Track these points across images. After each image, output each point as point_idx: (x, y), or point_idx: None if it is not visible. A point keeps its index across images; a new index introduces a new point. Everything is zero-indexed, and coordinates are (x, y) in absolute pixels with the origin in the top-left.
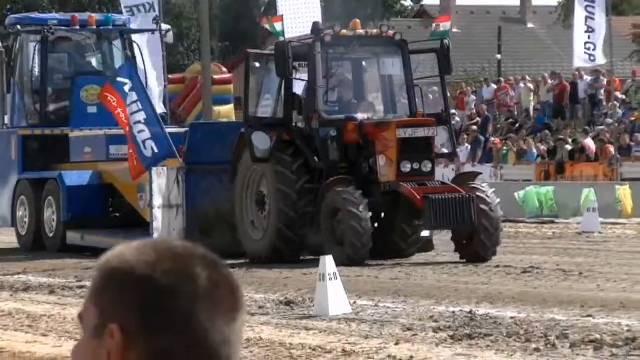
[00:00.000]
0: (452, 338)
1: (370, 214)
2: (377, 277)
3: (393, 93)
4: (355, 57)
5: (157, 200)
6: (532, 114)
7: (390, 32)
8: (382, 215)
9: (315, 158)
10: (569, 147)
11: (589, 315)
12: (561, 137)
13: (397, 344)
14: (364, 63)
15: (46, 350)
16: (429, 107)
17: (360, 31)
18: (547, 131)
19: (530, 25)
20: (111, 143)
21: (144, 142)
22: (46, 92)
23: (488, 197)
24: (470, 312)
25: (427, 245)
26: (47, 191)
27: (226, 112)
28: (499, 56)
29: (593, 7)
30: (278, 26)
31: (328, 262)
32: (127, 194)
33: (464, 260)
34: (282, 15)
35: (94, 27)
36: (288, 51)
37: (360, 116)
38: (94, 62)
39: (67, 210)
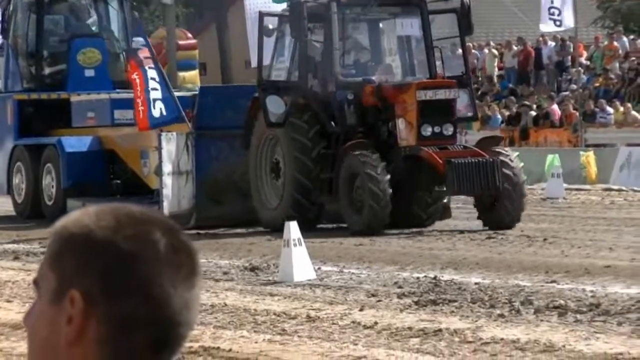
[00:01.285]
0: (417, 304)
1: (388, 176)
2: (341, 242)
3: (411, 54)
4: (372, 18)
5: (167, 167)
6: (495, 79)
7: None
8: (401, 181)
9: (332, 122)
10: (533, 113)
11: (553, 281)
12: (526, 102)
13: (361, 309)
14: (381, 24)
15: (10, 315)
16: (449, 68)
17: None
18: (512, 97)
19: None
20: (116, 107)
21: (154, 100)
22: (42, 55)
23: (511, 161)
24: (435, 277)
25: (445, 213)
26: (45, 157)
27: (191, 77)
28: None
29: None
30: None
31: (292, 228)
32: (130, 160)
33: (487, 228)
34: None
35: None
36: (303, 11)
37: (378, 78)
38: (90, 24)
39: (68, 177)
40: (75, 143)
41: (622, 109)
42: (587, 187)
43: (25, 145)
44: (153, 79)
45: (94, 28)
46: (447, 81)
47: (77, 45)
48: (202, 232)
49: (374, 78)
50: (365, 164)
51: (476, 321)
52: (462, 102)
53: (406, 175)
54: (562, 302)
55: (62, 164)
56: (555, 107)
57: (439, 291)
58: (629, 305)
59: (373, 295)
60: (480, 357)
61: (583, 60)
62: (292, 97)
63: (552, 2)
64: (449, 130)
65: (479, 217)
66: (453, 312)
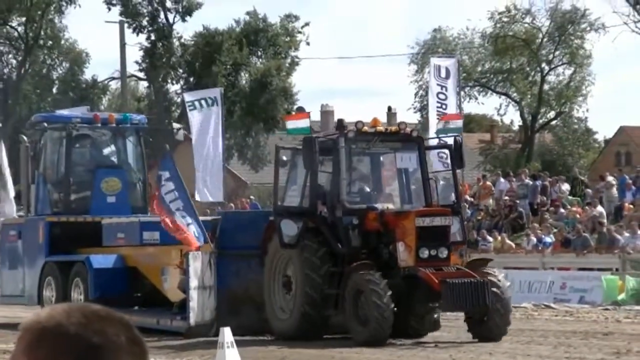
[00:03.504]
0: None
1: (390, 292)
2: (267, 346)
3: (409, 185)
4: (375, 152)
5: (193, 282)
6: None
7: (408, 129)
8: (400, 298)
9: (339, 244)
10: None
11: None
12: None
13: None
14: (383, 157)
15: None
16: (442, 198)
17: (380, 128)
18: None
19: None
20: (144, 229)
21: (188, 225)
22: (69, 182)
23: (499, 281)
24: None
25: (435, 325)
26: (74, 272)
27: None
28: None
29: None
30: (303, 123)
31: (226, 333)
32: (151, 276)
33: (476, 340)
34: (310, 112)
35: (114, 124)
36: (315, 145)
37: (379, 206)
38: (111, 156)
39: (95, 290)
40: (102, 260)
41: (499, 238)
42: None
43: (55, 262)
44: (178, 209)
45: (114, 159)
46: (443, 209)
47: (101, 174)
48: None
49: (376, 205)
50: (369, 281)
51: None
52: (453, 228)
53: (405, 292)
54: None
55: (90, 278)
56: None
57: None
58: None
59: None
60: None
61: (467, 197)
62: (303, 221)
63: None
64: (443, 253)
65: (469, 330)
66: None
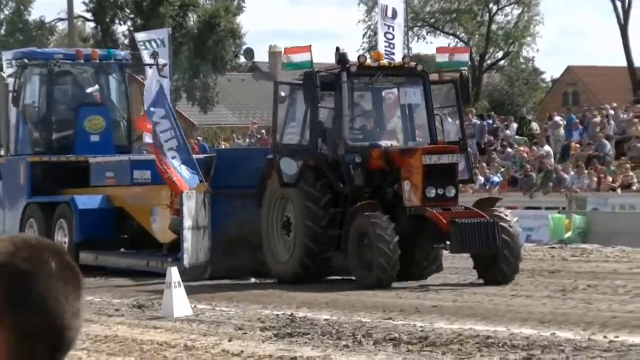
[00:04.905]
0: (276, 336)
1: (397, 237)
2: (216, 285)
3: (414, 122)
4: (378, 87)
5: (187, 223)
6: None
7: (413, 64)
8: (405, 238)
9: (340, 184)
10: None
11: (390, 318)
12: None
13: (230, 340)
14: (386, 93)
15: None
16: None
17: (384, 62)
18: None
19: None
20: (135, 168)
21: (179, 166)
22: (52, 121)
23: (511, 226)
24: (292, 315)
25: (438, 267)
26: (58, 214)
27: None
28: None
29: None
30: (304, 57)
31: (174, 272)
32: (139, 217)
33: (482, 282)
34: (310, 46)
35: (97, 61)
36: (317, 80)
37: (383, 143)
38: (94, 94)
39: (80, 232)
40: (88, 201)
41: None
42: None
43: (38, 203)
44: (172, 149)
45: (97, 97)
46: (451, 147)
47: (84, 113)
48: (98, 277)
49: (380, 143)
50: (375, 225)
51: (325, 351)
52: (460, 166)
53: (410, 233)
54: (396, 335)
55: (75, 220)
56: None
57: (295, 326)
58: (452, 338)
59: (240, 329)
60: None
61: None
62: (304, 160)
63: None
64: (451, 192)
65: (475, 269)
66: (307, 343)
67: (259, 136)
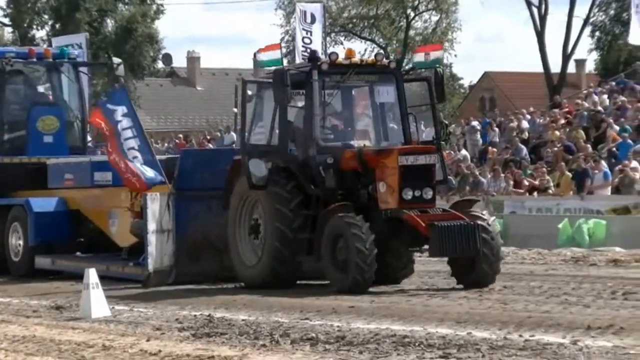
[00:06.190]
0: (194, 336)
1: (373, 235)
2: (133, 287)
3: (386, 121)
4: (350, 85)
5: (151, 225)
6: None
7: (385, 61)
8: (381, 242)
9: (311, 186)
10: None
11: (307, 318)
12: None
13: (148, 340)
14: (358, 91)
15: None
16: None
17: (356, 59)
18: None
19: None
20: (95, 170)
21: (141, 164)
22: (2, 122)
23: (489, 225)
24: (209, 315)
25: (410, 270)
26: (12, 217)
27: None
28: (235, 109)
29: None
30: (274, 54)
31: (91, 273)
32: (97, 220)
33: (461, 287)
34: (280, 43)
35: (50, 59)
36: (286, 78)
37: (355, 143)
38: (47, 93)
39: (35, 235)
40: (42, 203)
41: None
42: None
43: None
44: (132, 148)
45: (50, 97)
46: (427, 147)
47: (36, 112)
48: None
49: (352, 143)
50: (350, 225)
51: (243, 350)
52: None
53: (386, 236)
54: (314, 335)
55: (30, 223)
56: None
57: (212, 326)
58: (368, 337)
59: (158, 329)
60: None
61: None
62: (273, 161)
63: None
64: (428, 194)
65: (453, 276)
66: (224, 342)
67: (176, 140)
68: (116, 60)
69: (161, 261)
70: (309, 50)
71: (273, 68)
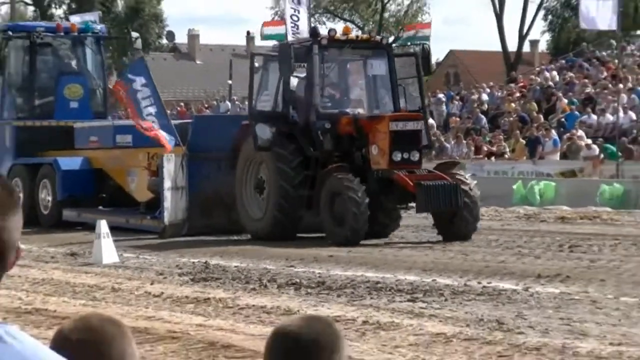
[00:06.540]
0: (192, 280)
1: (367, 199)
2: (139, 237)
3: (378, 91)
4: (346, 59)
5: (167, 183)
6: None
7: (378, 37)
8: (373, 199)
9: (311, 148)
10: None
11: (292, 266)
12: None
13: (152, 284)
14: (352, 64)
15: (14, 304)
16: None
17: (352, 36)
18: None
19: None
20: (118, 132)
21: (159, 129)
22: (34, 89)
23: (471, 189)
24: (206, 262)
25: (397, 225)
26: (41, 174)
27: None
28: (229, 81)
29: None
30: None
31: (102, 224)
32: (117, 178)
33: (442, 240)
34: (285, 19)
35: (76, 33)
36: (290, 52)
37: (350, 111)
38: (72, 63)
39: (63, 191)
40: (69, 162)
41: None
42: None
43: (23, 164)
44: (150, 114)
45: (75, 67)
46: (415, 114)
47: (64, 81)
48: (36, 228)
49: (347, 110)
50: (347, 187)
51: (235, 293)
52: None
53: (377, 194)
54: (297, 280)
55: (58, 180)
56: None
57: (208, 272)
58: (345, 283)
59: (161, 274)
60: (237, 318)
61: None
62: (276, 126)
63: None
64: (415, 156)
65: (434, 227)
66: (218, 286)
67: (178, 108)
68: (134, 34)
69: (175, 215)
70: (296, 27)
71: (278, 42)
